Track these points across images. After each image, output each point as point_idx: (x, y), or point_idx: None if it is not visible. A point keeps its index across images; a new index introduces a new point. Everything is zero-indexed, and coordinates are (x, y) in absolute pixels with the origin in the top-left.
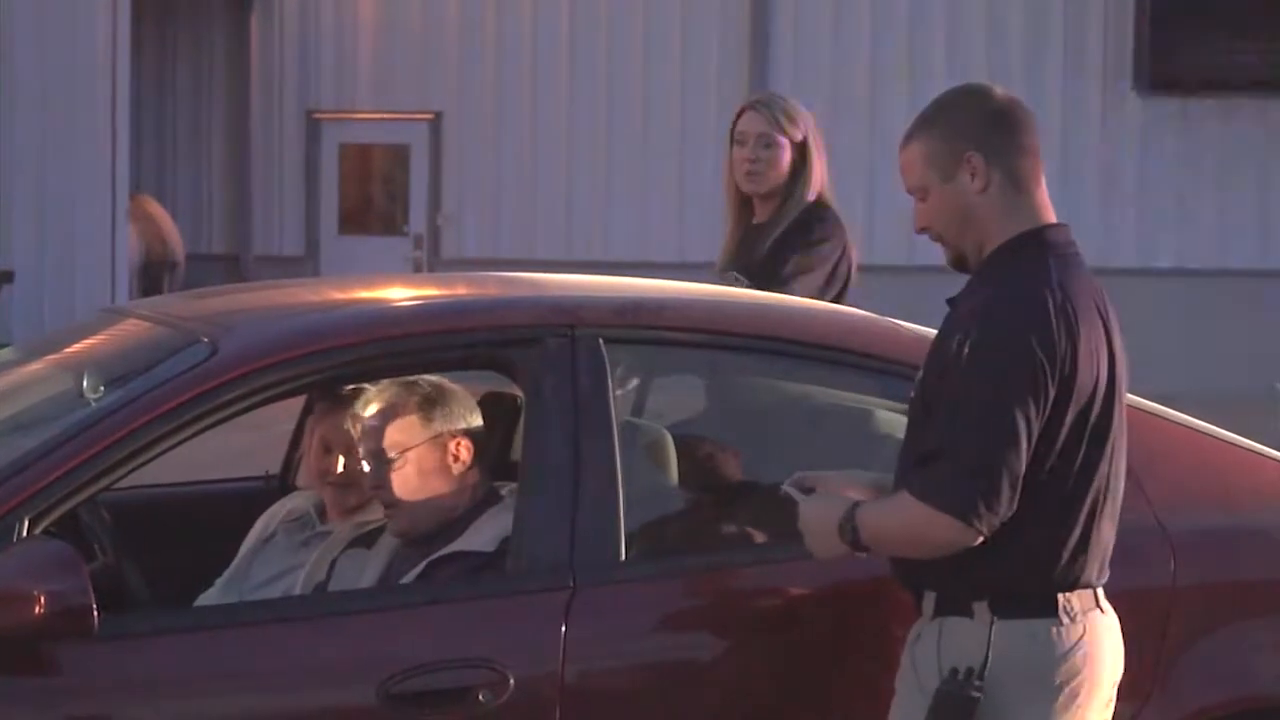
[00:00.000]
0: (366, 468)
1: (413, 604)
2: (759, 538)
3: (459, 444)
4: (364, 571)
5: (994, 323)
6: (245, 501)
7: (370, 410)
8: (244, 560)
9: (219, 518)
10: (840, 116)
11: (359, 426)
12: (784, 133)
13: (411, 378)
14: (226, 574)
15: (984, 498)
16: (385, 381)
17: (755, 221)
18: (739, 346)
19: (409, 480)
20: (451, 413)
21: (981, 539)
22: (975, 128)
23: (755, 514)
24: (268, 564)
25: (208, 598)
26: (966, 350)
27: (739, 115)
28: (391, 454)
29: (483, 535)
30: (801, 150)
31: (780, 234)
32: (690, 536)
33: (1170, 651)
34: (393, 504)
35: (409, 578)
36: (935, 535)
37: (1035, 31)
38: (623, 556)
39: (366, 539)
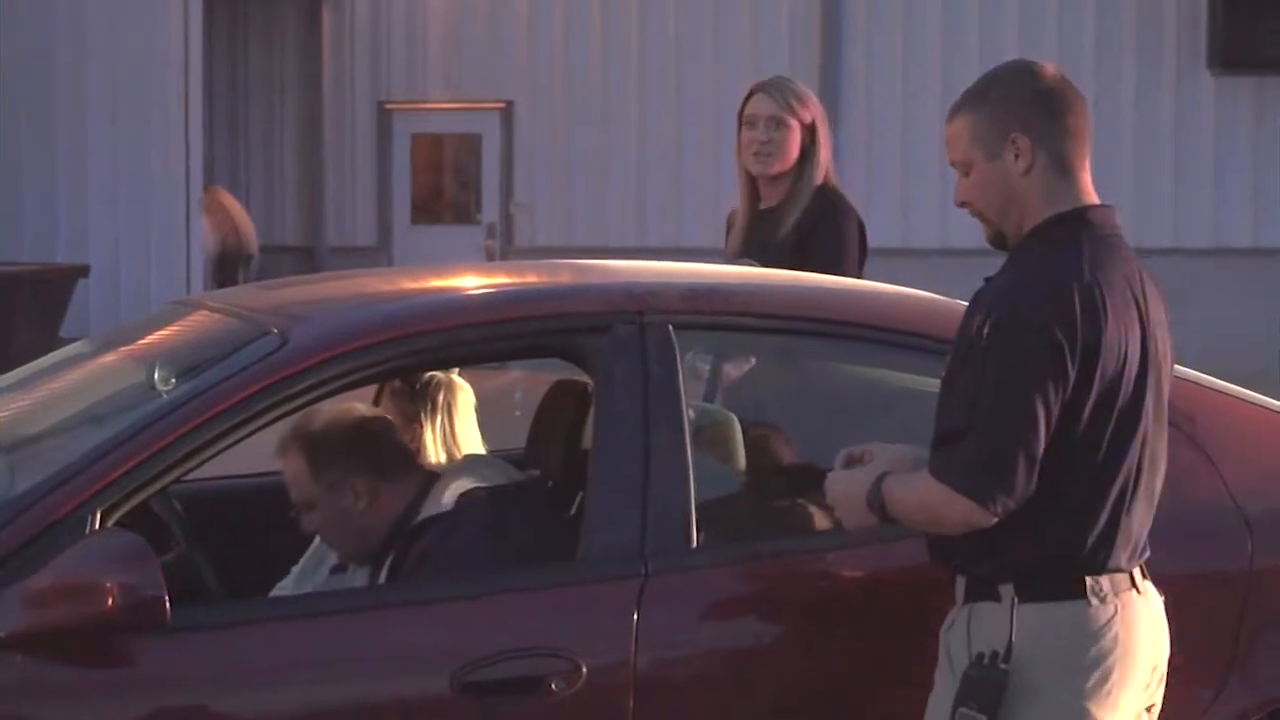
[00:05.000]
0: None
1: (485, 593)
2: (830, 523)
3: (355, 485)
4: (355, 576)
5: (1015, 305)
6: None
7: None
8: (320, 548)
9: (290, 508)
10: (912, 103)
11: None
12: (794, 115)
13: (304, 412)
14: (301, 562)
15: (999, 480)
16: (290, 420)
17: (763, 206)
18: (810, 331)
19: (326, 524)
20: (343, 453)
21: (996, 519)
22: (1023, 108)
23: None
24: None
25: (283, 587)
26: (987, 331)
27: (748, 98)
28: (300, 502)
29: (438, 500)
30: (811, 133)
31: (799, 218)
32: (761, 522)
33: (1248, 635)
34: (329, 538)
35: (385, 566)
36: (951, 515)
37: (1109, 11)
38: (694, 543)
39: None
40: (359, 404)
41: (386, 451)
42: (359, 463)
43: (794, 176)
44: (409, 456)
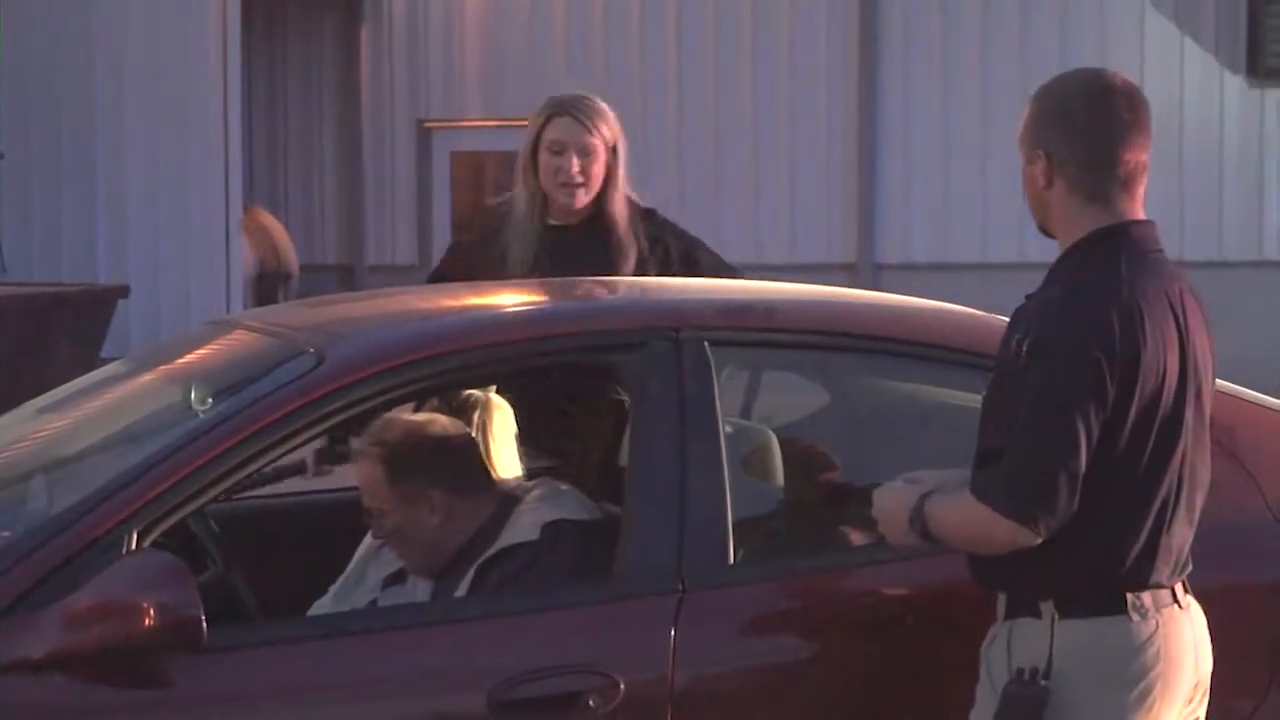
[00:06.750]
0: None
1: (522, 610)
2: (867, 539)
3: (431, 499)
4: (416, 588)
5: (1052, 323)
6: (353, 510)
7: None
8: (358, 566)
9: (327, 527)
10: (950, 119)
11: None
12: (600, 138)
13: (385, 419)
14: (340, 580)
15: (1041, 500)
16: (374, 421)
17: (554, 222)
18: (846, 347)
19: (395, 533)
20: (422, 466)
21: (1040, 540)
22: (1048, 129)
23: (864, 516)
24: (381, 569)
25: (320, 606)
26: (1025, 349)
27: (547, 120)
28: (372, 508)
29: (521, 527)
30: (614, 153)
31: (652, 248)
32: (798, 539)
33: None
34: (398, 547)
35: (461, 588)
36: (994, 535)
37: (1149, 25)
38: (731, 560)
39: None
40: (442, 416)
41: (465, 468)
42: (436, 476)
43: (597, 195)
44: (488, 475)
